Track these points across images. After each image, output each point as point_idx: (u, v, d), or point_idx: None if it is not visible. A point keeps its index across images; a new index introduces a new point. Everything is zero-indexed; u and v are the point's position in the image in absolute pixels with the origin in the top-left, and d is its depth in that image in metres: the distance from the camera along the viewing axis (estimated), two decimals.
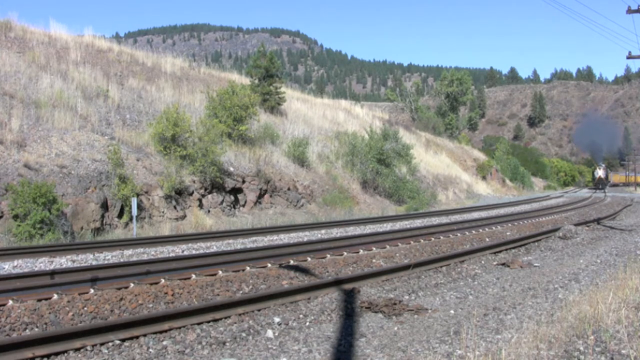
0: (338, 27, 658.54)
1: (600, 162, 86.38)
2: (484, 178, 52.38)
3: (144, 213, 16.39)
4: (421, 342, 5.52)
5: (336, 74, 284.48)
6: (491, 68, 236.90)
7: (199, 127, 20.47)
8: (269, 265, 9.38)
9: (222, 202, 19.36)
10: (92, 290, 7.06)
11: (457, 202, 36.10)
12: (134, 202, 15.11)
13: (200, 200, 18.60)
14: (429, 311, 6.99)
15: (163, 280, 7.79)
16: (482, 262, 10.89)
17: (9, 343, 4.89)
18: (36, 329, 5.77)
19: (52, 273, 8.56)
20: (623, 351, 4.16)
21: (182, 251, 12.07)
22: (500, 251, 12.22)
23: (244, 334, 5.89)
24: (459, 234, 14.68)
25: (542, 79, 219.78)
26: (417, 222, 19.94)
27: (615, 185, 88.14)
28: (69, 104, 18.92)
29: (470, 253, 11.40)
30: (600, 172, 77.33)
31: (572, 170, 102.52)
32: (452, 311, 6.99)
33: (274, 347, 5.51)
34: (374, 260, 10.49)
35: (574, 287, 8.16)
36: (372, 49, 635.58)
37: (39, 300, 6.54)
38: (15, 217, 13.03)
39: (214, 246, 12.96)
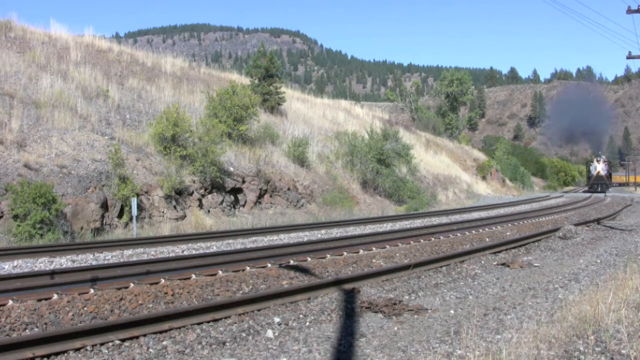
0: (338, 27, 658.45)
1: (600, 153, 62.22)
2: (484, 178, 52.38)
3: (144, 213, 16.39)
4: (421, 342, 5.53)
5: (336, 74, 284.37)
6: (491, 68, 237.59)
7: (199, 127, 20.47)
8: (269, 265, 9.38)
9: (222, 202, 19.35)
10: (92, 290, 7.06)
11: (457, 202, 36.09)
12: (134, 202, 15.11)
13: (200, 200, 18.60)
14: (429, 311, 6.99)
15: (163, 280, 7.78)
16: (482, 262, 10.89)
17: (9, 343, 4.89)
18: (36, 329, 5.76)
19: (52, 273, 8.56)
20: (623, 351, 4.16)
21: (182, 251, 12.07)
22: (500, 251, 12.22)
23: (244, 334, 5.89)
24: (459, 234, 14.68)
25: (542, 79, 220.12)
26: (417, 222, 19.94)
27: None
28: (69, 104, 18.91)
29: (470, 253, 11.39)
30: (598, 167, 55.53)
31: (572, 170, 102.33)
32: (452, 311, 6.99)
33: (274, 347, 5.51)
34: (374, 260, 10.49)
35: (574, 287, 8.16)
36: (372, 49, 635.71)
37: (39, 300, 6.54)
38: (15, 217, 13.03)
39: (214, 246, 12.96)
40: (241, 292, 7.74)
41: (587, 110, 62.16)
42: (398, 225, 18.91)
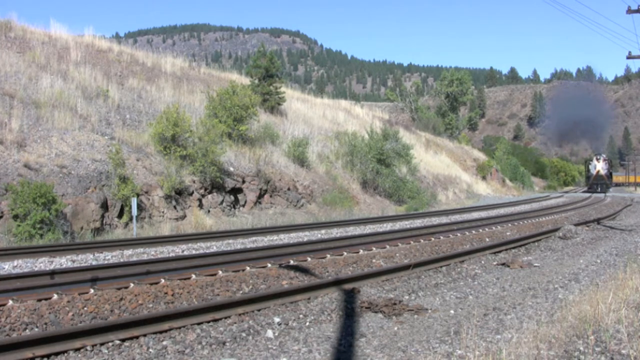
0: (338, 27, 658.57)
1: (600, 150, 59.24)
2: (484, 178, 52.37)
3: (144, 213, 16.39)
4: (421, 342, 5.52)
5: (336, 74, 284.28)
6: (491, 68, 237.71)
7: (199, 127, 20.47)
8: (269, 265, 9.38)
9: (222, 202, 19.35)
10: (92, 290, 7.06)
11: (457, 202, 36.09)
12: (134, 202, 15.11)
13: (200, 200, 18.60)
14: (429, 311, 6.99)
15: (163, 280, 7.78)
16: (482, 262, 10.89)
17: (9, 343, 4.89)
18: (36, 329, 5.76)
19: (52, 273, 8.56)
20: (623, 351, 4.16)
21: (182, 251, 12.07)
22: (500, 251, 12.22)
23: (244, 334, 5.89)
24: (459, 234, 14.68)
25: (542, 79, 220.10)
26: (417, 222, 19.94)
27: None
28: (69, 104, 18.91)
29: (470, 253, 11.39)
30: (598, 166, 53.09)
31: (572, 170, 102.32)
32: (452, 311, 6.99)
33: (274, 347, 5.51)
34: (374, 260, 10.48)
35: (574, 287, 8.16)
36: (372, 49, 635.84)
37: (39, 300, 6.54)
38: (15, 217, 13.03)
39: (214, 246, 12.96)
40: (241, 292, 7.74)
41: (586, 107, 58.62)
42: (398, 225, 18.91)
